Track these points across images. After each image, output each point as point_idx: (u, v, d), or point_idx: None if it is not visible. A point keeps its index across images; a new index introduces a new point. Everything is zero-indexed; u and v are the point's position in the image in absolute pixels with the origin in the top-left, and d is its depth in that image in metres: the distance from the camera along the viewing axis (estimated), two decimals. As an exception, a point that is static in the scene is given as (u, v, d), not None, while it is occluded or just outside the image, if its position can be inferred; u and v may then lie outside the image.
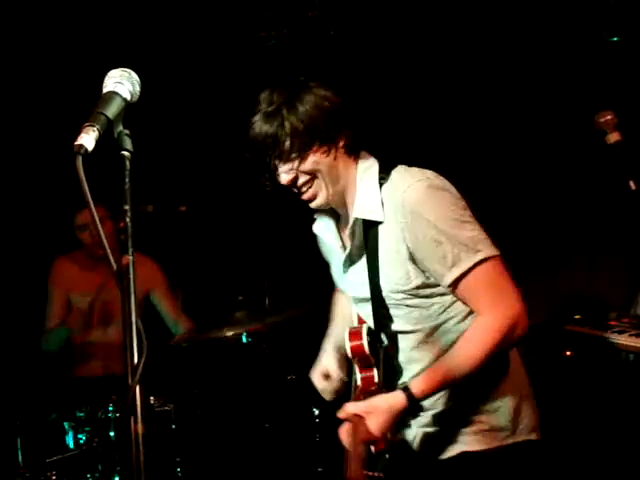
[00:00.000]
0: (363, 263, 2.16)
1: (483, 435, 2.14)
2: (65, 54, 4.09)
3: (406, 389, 2.03)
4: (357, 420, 2.04)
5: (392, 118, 3.93)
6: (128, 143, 1.42)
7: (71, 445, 3.49)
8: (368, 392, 2.16)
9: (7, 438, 3.51)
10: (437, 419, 2.17)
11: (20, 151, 4.39)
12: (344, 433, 2.09)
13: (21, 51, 4.03)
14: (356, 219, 2.13)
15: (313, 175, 2.07)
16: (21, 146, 4.37)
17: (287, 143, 2.02)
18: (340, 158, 2.11)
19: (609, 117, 2.31)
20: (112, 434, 3.41)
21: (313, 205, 2.15)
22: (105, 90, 1.48)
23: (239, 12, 4.06)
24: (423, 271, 2.07)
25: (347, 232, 2.19)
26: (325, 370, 2.38)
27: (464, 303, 2.09)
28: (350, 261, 2.21)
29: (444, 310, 2.12)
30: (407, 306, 2.12)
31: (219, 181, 4.46)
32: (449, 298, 2.11)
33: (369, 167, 2.16)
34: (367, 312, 2.22)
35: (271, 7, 4.04)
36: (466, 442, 2.14)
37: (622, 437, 3.07)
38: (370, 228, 2.12)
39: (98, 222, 1.30)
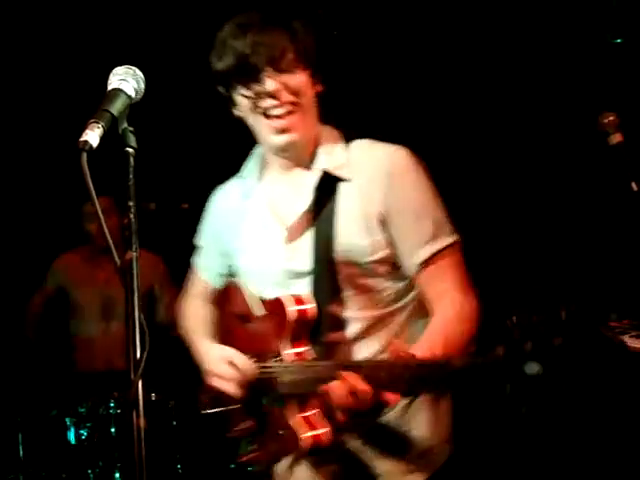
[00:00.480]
0: (309, 231, 1.96)
1: (437, 452, 1.98)
2: (71, 50, 4.10)
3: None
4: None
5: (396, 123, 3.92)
6: (132, 140, 1.43)
7: (72, 441, 3.50)
8: None
9: (9, 433, 3.53)
10: (382, 451, 1.94)
11: (26, 147, 4.40)
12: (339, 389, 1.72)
13: (27, 47, 4.04)
14: (323, 171, 1.95)
15: (298, 98, 1.92)
16: (27, 142, 4.38)
17: (289, 50, 1.90)
18: (315, 103, 2.00)
19: (611, 118, 2.32)
20: (113, 430, 3.42)
21: (283, 139, 1.93)
22: (110, 87, 1.49)
23: (243, 11, 4.07)
24: (391, 243, 1.92)
25: (297, 192, 1.99)
26: (228, 356, 2.01)
27: (423, 288, 1.93)
28: (297, 227, 1.99)
29: (394, 299, 1.96)
30: (357, 286, 1.93)
31: (222, 179, 4.47)
32: (402, 285, 1.97)
33: (332, 130, 2.06)
34: (299, 290, 1.96)
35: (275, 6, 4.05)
36: (422, 466, 1.95)
37: (618, 433, 3.07)
38: (326, 189, 1.96)
39: (101, 215, 1.31)
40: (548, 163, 3.84)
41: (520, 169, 3.91)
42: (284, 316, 1.90)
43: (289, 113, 1.91)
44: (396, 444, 1.95)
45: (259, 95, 1.90)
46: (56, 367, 4.24)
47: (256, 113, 1.93)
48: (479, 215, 3.71)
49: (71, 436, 3.51)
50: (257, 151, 2.11)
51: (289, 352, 1.90)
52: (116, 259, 1.28)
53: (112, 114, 1.42)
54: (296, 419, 1.84)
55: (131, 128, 1.44)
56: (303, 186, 1.99)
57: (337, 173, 1.96)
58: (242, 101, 1.95)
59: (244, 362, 1.98)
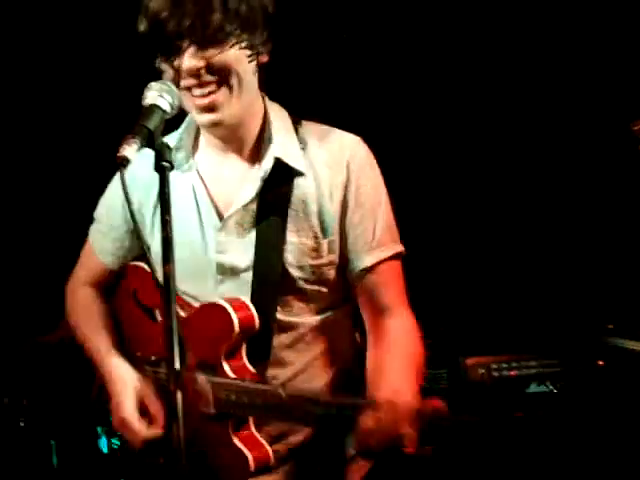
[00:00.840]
0: (250, 224, 1.79)
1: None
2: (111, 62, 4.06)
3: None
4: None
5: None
6: (168, 155, 1.45)
7: (104, 449, 3.53)
8: None
9: (42, 442, 3.57)
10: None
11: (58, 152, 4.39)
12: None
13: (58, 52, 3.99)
14: (275, 159, 1.77)
15: (224, 77, 1.69)
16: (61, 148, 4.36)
17: (215, 19, 1.62)
18: (256, 79, 1.77)
19: (642, 126, 2.32)
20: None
21: (208, 118, 1.73)
22: (145, 103, 1.52)
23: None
24: (341, 243, 1.80)
25: (242, 178, 1.81)
26: (140, 397, 1.83)
27: (364, 296, 1.84)
28: (232, 219, 1.80)
29: (331, 306, 1.87)
30: (299, 290, 1.80)
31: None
32: (336, 293, 1.86)
33: (280, 109, 1.87)
34: (230, 289, 1.78)
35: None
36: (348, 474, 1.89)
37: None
38: (278, 180, 1.78)
39: (142, 233, 1.33)
40: (576, 170, 3.80)
41: (548, 178, 3.87)
42: (226, 324, 1.70)
43: (212, 92, 1.70)
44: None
45: (178, 71, 1.69)
46: (88, 375, 4.28)
47: (180, 88, 1.70)
48: (492, 228, 3.65)
49: (103, 445, 3.54)
50: (190, 118, 1.87)
51: (228, 366, 1.72)
52: (156, 275, 1.30)
53: (149, 129, 1.45)
54: (239, 438, 1.70)
55: (167, 143, 1.47)
56: (249, 172, 1.82)
57: (292, 164, 1.79)
58: (164, 74, 1.73)
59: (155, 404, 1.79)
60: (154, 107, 1.50)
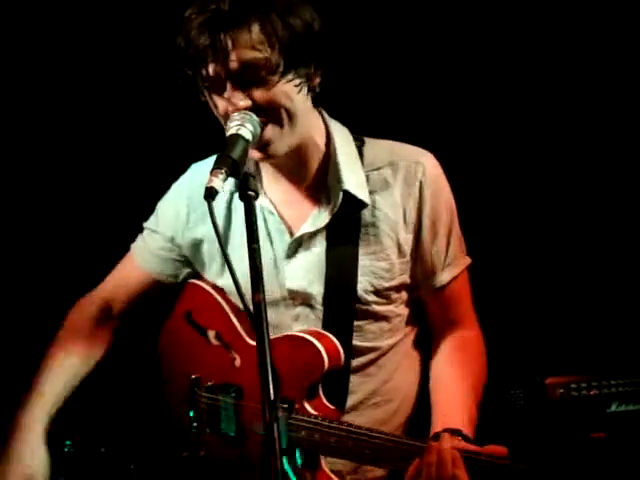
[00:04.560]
0: (320, 250, 1.78)
1: None
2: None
3: (458, 433, 1.64)
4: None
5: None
6: (252, 184, 1.47)
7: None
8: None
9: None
10: None
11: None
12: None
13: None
14: (344, 192, 1.75)
15: (272, 114, 1.62)
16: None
17: (260, 60, 1.57)
18: (309, 103, 1.71)
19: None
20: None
21: (261, 155, 1.66)
22: (228, 133, 1.55)
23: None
24: (413, 264, 1.81)
25: (309, 202, 1.79)
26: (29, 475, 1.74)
27: (436, 311, 1.88)
28: (301, 245, 1.79)
29: (402, 325, 1.86)
30: (370, 314, 1.79)
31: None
32: (407, 311, 1.87)
33: (341, 130, 1.83)
34: (302, 316, 1.79)
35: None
36: None
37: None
38: (348, 208, 1.76)
39: (232, 265, 1.34)
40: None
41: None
42: (315, 361, 1.66)
43: (265, 127, 1.62)
44: None
45: (225, 109, 1.63)
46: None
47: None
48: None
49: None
50: None
51: (308, 404, 1.66)
52: (248, 306, 1.31)
53: (233, 159, 1.47)
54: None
55: (251, 172, 1.48)
56: (316, 198, 1.80)
57: (360, 196, 1.77)
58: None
59: None
60: (237, 137, 1.53)
